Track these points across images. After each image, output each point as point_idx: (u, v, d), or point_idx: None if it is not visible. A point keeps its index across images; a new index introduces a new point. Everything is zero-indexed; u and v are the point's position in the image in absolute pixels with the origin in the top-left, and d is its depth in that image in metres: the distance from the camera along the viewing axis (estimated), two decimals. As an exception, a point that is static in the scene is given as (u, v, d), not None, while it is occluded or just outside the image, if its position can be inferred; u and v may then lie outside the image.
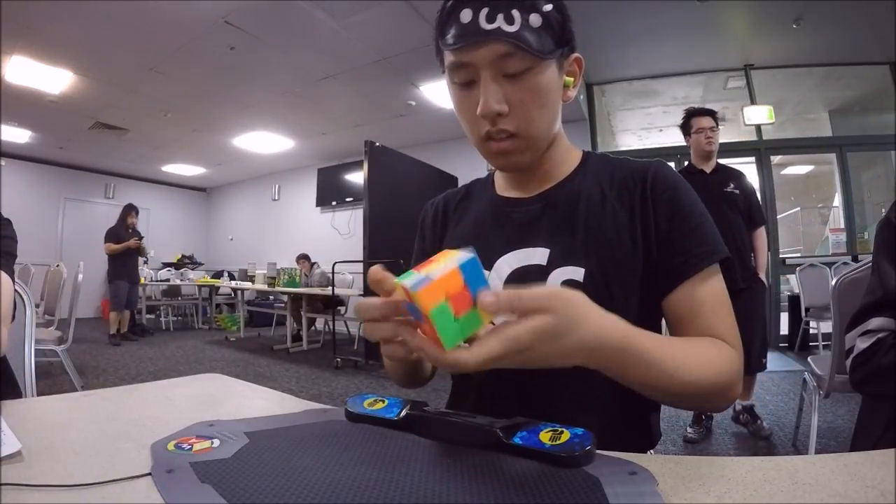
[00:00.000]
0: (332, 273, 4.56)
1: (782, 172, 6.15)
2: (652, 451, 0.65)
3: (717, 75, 4.98)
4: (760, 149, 4.80)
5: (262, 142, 6.41)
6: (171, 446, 0.44)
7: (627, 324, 0.45)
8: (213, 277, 7.24)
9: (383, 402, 0.52)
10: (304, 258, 5.89)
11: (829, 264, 3.79)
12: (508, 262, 0.64)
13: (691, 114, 2.42)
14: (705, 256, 0.59)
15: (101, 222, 6.17)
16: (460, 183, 0.96)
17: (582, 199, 0.64)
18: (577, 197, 0.65)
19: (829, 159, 5.16)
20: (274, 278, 5.31)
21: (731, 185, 2.32)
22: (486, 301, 0.37)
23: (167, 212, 8.74)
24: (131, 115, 5.31)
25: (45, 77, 4.22)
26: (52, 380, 3.16)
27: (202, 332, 6.42)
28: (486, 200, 0.73)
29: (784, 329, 4.72)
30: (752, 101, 4.82)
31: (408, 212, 2.17)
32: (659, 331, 0.58)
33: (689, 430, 2.33)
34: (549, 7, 0.55)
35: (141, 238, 5.38)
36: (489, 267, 0.64)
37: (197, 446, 0.44)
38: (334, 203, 7.11)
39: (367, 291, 0.45)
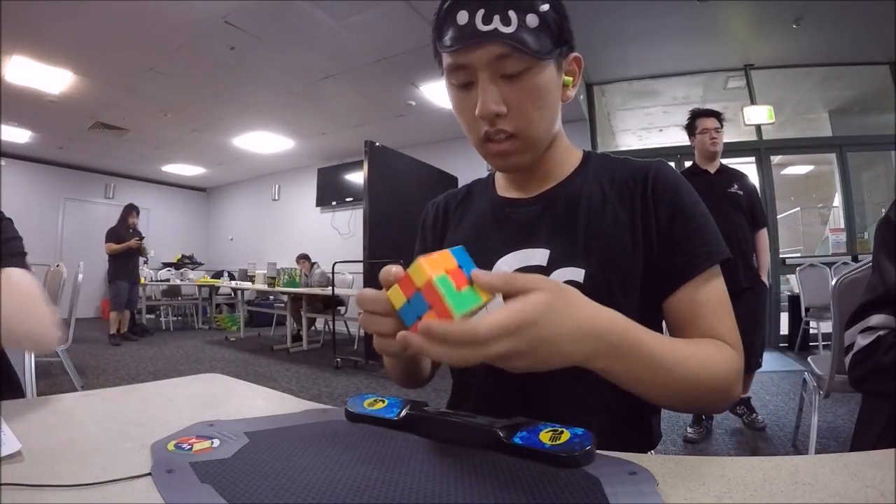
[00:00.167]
0: (332, 273, 4.56)
1: (782, 172, 6.15)
2: (652, 451, 0.65)
3: (717, 75, 4.98)
4: (760, 149, 4.80)
5: (262, 142, 6.41)
6: (171, 446, 0.44)
7: (625, 317, 0.45)
8: (213, 277, 7.24)
9: (383, 402, 0.52)
10: (304, 258, 5.89)
11: (829, 264, 3.79)
12: (508, 263, 0.64)
13: (696, 115, 2.44)
14: (707, 257, 0.59)
15: (101, 222, 6.18)
16: (460, 183, 0.97)
17: (582, 200, 0.64)
18: (578, 197, 0.64)
19: (829, 159, 5.16)
20: (274, 278, 5.30)
21: (735, 186, 2.36)
22: (481, 275, 0.38)
23: (167, 212, 8.74)
24: (131, 115, 5.31)
25: (45, 77, 4.22)
26: (52, 380, 3.16)
27: (202, 332, 6.42)
28: (486, 201, 0.73)
29: (784, 329, 4.72)
30: (752, 101, 4.82)
31: (408, 212, 2.17)
32: (659, 332, 0.58)
33: (689, 430, 2.33)
34: (545, 7, 0.55)
35: (142, 238, 5.38)
36: (489, 268, 0.64)
37: (197, 446, 0.43)
38: (334, 203, 7.11)
39: (368, 287, 0.45)
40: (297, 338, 5.18)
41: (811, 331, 4.27)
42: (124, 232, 5.27)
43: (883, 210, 1.96)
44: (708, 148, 2.37)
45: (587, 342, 0.40)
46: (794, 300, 4.37)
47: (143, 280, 5.91)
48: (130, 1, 3.16)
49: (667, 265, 0.59)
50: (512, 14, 0.52)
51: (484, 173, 0.79)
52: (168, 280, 7.06)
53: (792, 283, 4.56)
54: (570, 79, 0.62)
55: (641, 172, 0.63)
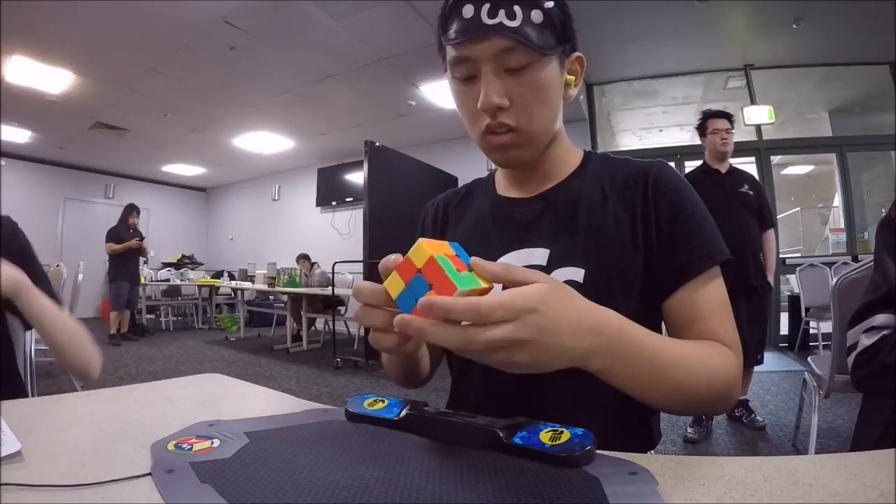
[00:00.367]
0: (332, 273, 4.56)
1: (782, 172, 6.15)
2: (652, 451, 0.65)
3: (717, 75, 4.98)
4: (760, 149, 4.80)
5: (262, 142, 6.41)
6: (171, 446, 0.44)
7: (622, 316, 0.45)
8: (213, 277, 7.23)
9: (383, 402, 0.52)
10: (304, 258, 5.90)
11: (829, 264, 3.79)
12: (508, 263, 0.64)
13: (708, 115, 2.49)
14: (707, 258, 0.58)
15: (101, 222, 6.18)
16: (460, 183, 0.97)
17: (583, 200, 0.64)
18: (578, 197, 0.64)
19: (829, 159, 5.16)
20: (274, 278, 5.30)
21: (746, 187, 2.42)
22: (481, 262, 0.39)
23: (167, 212, 8.75)
24: (131, 115, 5.31)
25: (45, 77, 4.23)
26: (52, 380, 3.16)
27: (202, 332, 6.42)
28: (486, 200, 0.73)
29: (784, 329, 4.72)
30: (752, 101, 4.82)
31: (408, 212, 2.17)
32: (659, 333, 0.58)
33: (689, 430, 2.33)
34: (550, 4, 0.55)
35: (142, 238, 5.39)
36: None
37: (197, 446, 0.43)
38: (334, 203, 7.11)
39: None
40: (297, 338, 5.18)
41: (811, 331, 4.27)
42: (124, 232, 5.27)
43: (883, 210, 1.96)
44: (719, 148, 2.41)
45: (586, 337, 0.40)
46: (794, 300, 4.37)
47: (143, 280, 5.91)
48: (130, 1, 3.16)
49: (666, 266, 0.59)
50: (517, 9, 0.53)
51: (484, 173, 0.79)
52: (168, 280, 7.06)
53: (792, 283, 4.55)
54: (573, 77, 0.63)
55: (642, 173, 0.63)
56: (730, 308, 0.59)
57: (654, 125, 6.02)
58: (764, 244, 2.46)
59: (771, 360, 3.87)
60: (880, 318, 0.70)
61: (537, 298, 0.37)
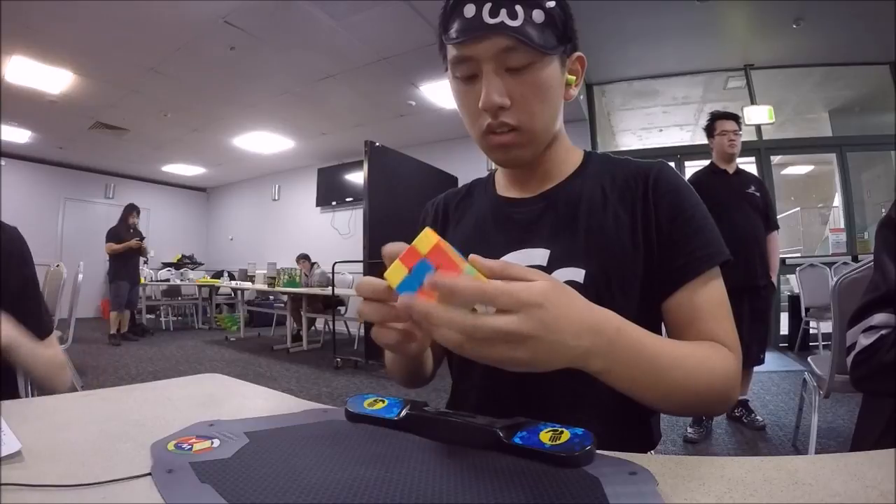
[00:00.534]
0: (332, 273, 4.56)
1: (782, 172, 6.15)
2: (652, 451, 0.65)
3: (717, 75, 4.98)
4: (760, 149, 4.80)
5: (262, 142, 6.41)
6: (171, 446, 0.44)
7: (621, 317, 0.45)
8: (213, 277, 7.23)
9: (383, 402, 0.52)
10: (304, 258, 5.90)
11: (829, 264, 3.79)
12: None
13: (716, 117, 2.53)
14: (707, 259, 0.58)
15: (101, 222, 6.18)
16: (460, 183, 0.97)
17: (583, 200, 0.64)
18: (578, 197, 0.64)
19: (829, 159, 5.16)
20: (274, 278, 5.30)
21: (752, 188, 2.46)
22: (478, 258, 0.39)
23: (167, 212, 8.75)
24: (131, 115, 5.31)
25: (45, 77, 4.23)
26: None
27: (202, 332, 6.42)
28: (486, 200, 0.73)
29: (784, 329, 4.72)
30: (753, 101, 4.82)
31: (408, 212, 2.17)
32: (658, 334, 0.58)
33: (689, 430, 2.33)
34: (552, 3, 0.56)
35: (142, 238, 5.38)
36: None
37: (197, 446, 0.43)
38: (334, 203, 7.11)
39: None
40: (297, 338, 5.18)
41: (811, 331, 4.27)
42: (125, 232, 5.27)
43: (883, 210, 1.96)
44: (726, 149, 2.45)
45: (586, 336, 0.40)
46: (794, 300, 4.37)
47: (143, 280, 5.91)
48: (130, 1, 3.16)
49: (666, 266, 0.59)
50: (518, 8, 0.53)
51: (484, 173, 0.79)
52: (168, 280, 7.06)
53: (792, 283, 4.55)
54: (574, 77, 0.63)
55: (642, 173, 0.63)
56: (729, 309, 0.59)
57: (654, 125, 6.02)
58: (769, 245, 2.49)
59: (771, 360, 3.86)
60: (879, 318, 0.70)
61: (542, 294, 0.37)
